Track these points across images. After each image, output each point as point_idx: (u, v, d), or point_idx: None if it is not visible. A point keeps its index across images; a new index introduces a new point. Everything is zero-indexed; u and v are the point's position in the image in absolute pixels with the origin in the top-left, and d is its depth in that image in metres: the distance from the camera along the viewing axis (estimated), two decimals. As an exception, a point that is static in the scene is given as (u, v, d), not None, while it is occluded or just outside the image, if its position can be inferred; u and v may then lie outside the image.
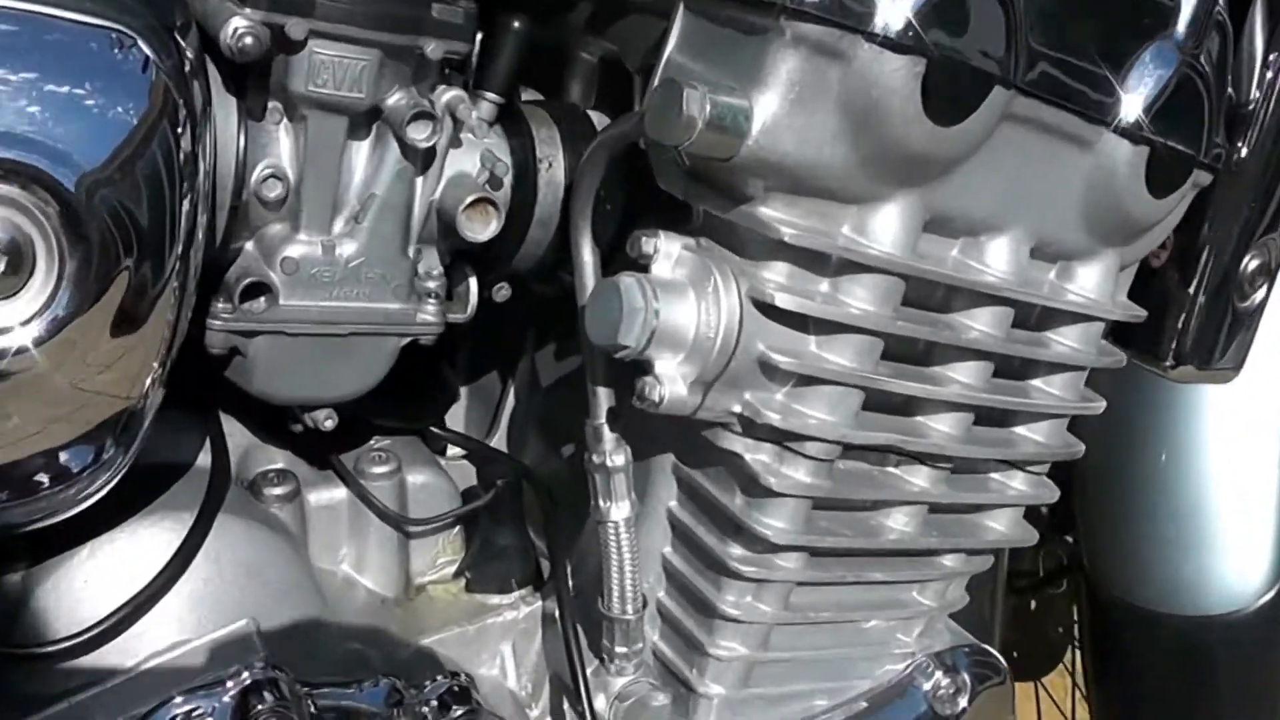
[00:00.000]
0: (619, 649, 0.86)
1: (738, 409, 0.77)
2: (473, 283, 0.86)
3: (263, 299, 0.79)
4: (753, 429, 0.78)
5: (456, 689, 0.81)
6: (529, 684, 0.95)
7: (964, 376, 0.83)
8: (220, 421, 0.94)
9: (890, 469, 0.85)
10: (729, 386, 0.76)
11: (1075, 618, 1.74)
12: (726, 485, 0.82)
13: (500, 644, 0.94)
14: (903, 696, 0.97)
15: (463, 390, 1.12)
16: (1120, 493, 1.43)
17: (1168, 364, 1.06)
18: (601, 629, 0.87)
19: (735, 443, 0.79)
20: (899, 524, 0.86)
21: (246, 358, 0.81)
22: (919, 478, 0.85)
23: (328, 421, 0.87)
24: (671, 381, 0.75)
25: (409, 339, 0.84)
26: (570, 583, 0.94)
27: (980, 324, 0.82)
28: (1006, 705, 1.05)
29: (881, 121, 0.70)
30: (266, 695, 0.74)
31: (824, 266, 0.75)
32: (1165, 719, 1.44)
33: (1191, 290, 1.03)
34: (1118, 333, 1.00)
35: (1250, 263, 1.04)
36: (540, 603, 0.95)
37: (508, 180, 0.83)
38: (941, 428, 0.84)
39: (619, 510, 0.82)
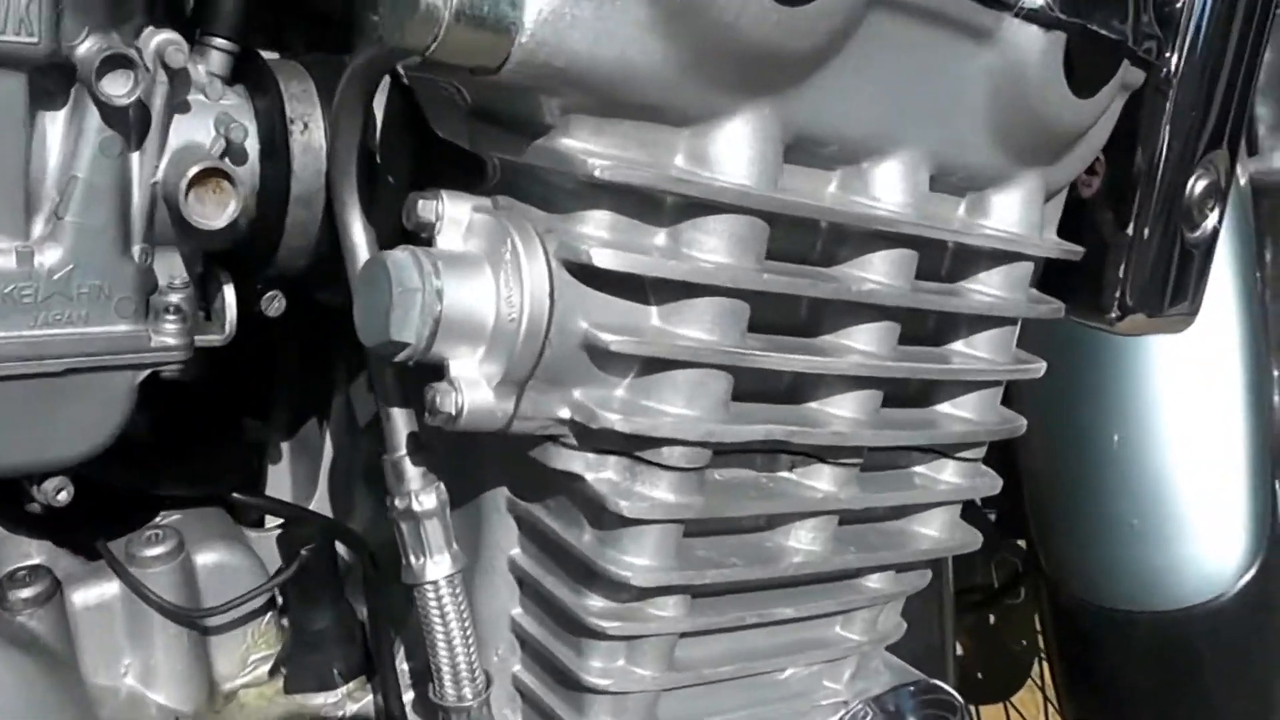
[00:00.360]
0: (462, 748, 0.66)
1: (566, 414, 0.58)
2: (229, 292, 0.67)
3: (-53, 335, 0.59)
4: (590, 439, 0.59)
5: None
6: (368, 801, 0.75)
7: (863, 343, 0.64)
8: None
9: (783, 474, 0.67)
10: (550, 385, 0.57)
11: (1039, 627, 1.57)
12: (570, 519, 0.63)
13: (322, 755, 0.74)
14: (838, 761, 0.77)
15: (284, 447, 0.91)
16: (1072, 484, 1.27)
17: (1112, 315, 0.88)
18: (441, 721, 0.67)
19: (572, 460, 0.60)
20: (804, 543, 0.67)
21: None
22: (822, 481, 0.66)
23: (60, 494, 0.66)
24: (471, 386, 0.56)
25: (146, 371, 0.63)
26: (405, 667, 0.74)
27: (876, 274, 0.64)
28: (969, 749, 0.86)
29: (702, 2, 0.52)
30: None
31: (657, 211, 0.57)
32: (1151, 725, 1.26)
33: (1132, 223, 0.86)
34: (1049, 288, 0.83)
35: (1197, 184, 0.87)
36: (371, 697, 0.75)
37: (252, 149, 0.63)
38: (842, 413, 0.65)
39: (437, 566, 0.63)
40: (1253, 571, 1.20)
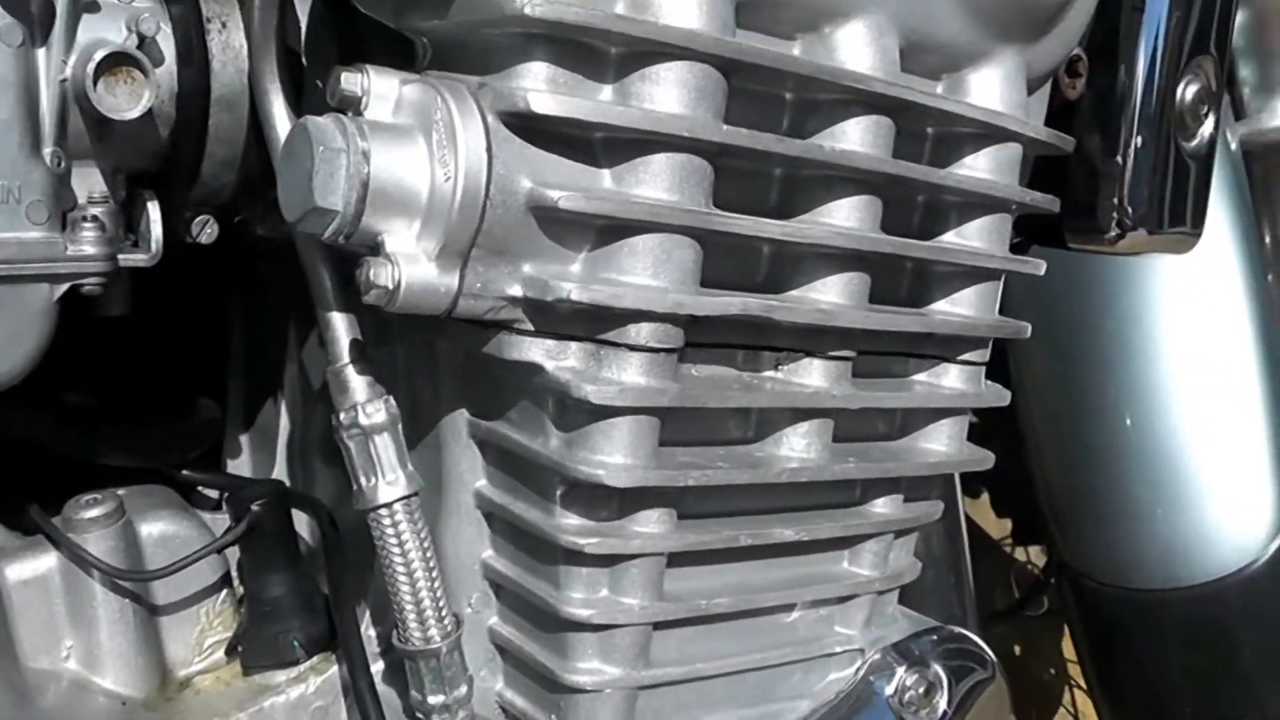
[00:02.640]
0: (433, 699, 0.59)
1: (518, 291, 0.52)
2: (154, 210, 0.61)
3: None
4: (548, 320, 0.53)
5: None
6: (339, 786, 0.67)
7: (843, 219, 0.59)
8: None
9: (769, 373, 0.61)
10: (498, 258, 0.52)
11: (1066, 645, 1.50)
12: (535, 426, 0.57)
13: (287, 736, 0.67)
14: (859, 712, 0.70)
15: (240, 426, 0.85)
16: (1087, 470, 1.21)
17: (1111, 235, 0.84)
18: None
19: (530, 349, 0.54)
20: (797, 449, 0.61)
21: None
22: (812, 377, 0.61)
23: None
24: (409, 260, 0.50)
25: (65, 285, 0.58)
26: (372, 633, 0.67)
27: (851, 142, 0.59)
28: (1003, 707, 0.78)
29: None
30: None
31: (601, 64, 0.52)
32: (1191, 709, 1.17)
33: (1123, 132, 0.81)
34: (1034, 224, 0.78)
35: (1187, 90, 0.83)
36: (336, 668, 0.68)
37: (168, 50, 0.59)
38: (827, 296, 0.59)
39: (391, 487, 0.57)
40: (1283, 534, 1.13)
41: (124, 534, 0.67)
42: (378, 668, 0.66)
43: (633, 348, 0.53)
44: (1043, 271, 0.71)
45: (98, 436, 0.71)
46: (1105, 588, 1.19)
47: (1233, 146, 1.27)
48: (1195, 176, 0.85)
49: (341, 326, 0.57)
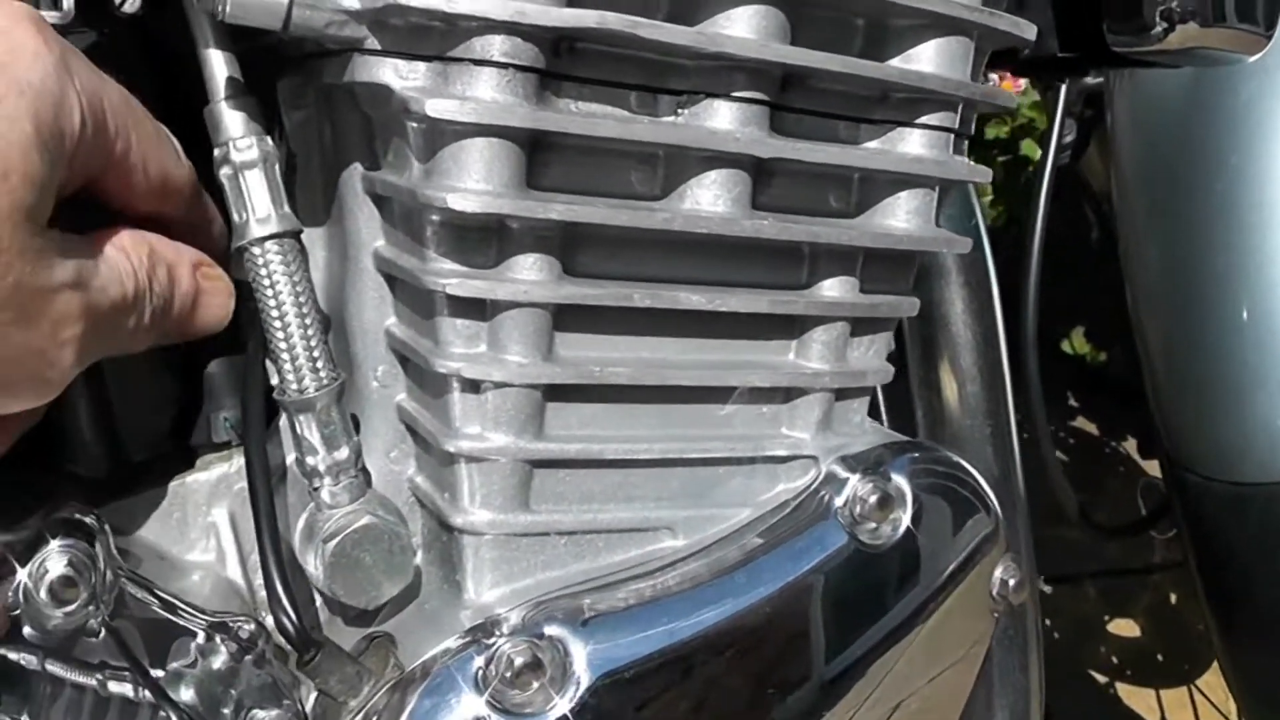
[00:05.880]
0: (310, 459, 0.57)
1: (355, 2, 0.49)
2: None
3: None
4: (394, 35, 0.50)
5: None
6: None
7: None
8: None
9: (668, 118, 0.56)
10: (330, -40, 0.49)
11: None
12: (402, 159, 0.54)
13: (210, 513, 0.65)
14: (807, 526, 0.63)
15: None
16: (1191, 353, 1.09)
17: (1156, 30, 0.74)
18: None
19: (380, 69, 0.51)
20: (703, 202, 0.56)
21: None
22: (716, 120, 0.55)
23: None
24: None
25: None
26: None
27: None
28: (995, 541, 0.70)
29: None
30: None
31: None
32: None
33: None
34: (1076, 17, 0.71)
35: None
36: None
37: None
38: (733, 30, 0.54)
39: (259, 225, 0.55)
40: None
41: None
42: (292, 448, 0.64)
43: (480, 62, 0.49)
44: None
45: None
46: (1211, 483, 1.07)
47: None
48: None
49: (218, 63, 0.55)
